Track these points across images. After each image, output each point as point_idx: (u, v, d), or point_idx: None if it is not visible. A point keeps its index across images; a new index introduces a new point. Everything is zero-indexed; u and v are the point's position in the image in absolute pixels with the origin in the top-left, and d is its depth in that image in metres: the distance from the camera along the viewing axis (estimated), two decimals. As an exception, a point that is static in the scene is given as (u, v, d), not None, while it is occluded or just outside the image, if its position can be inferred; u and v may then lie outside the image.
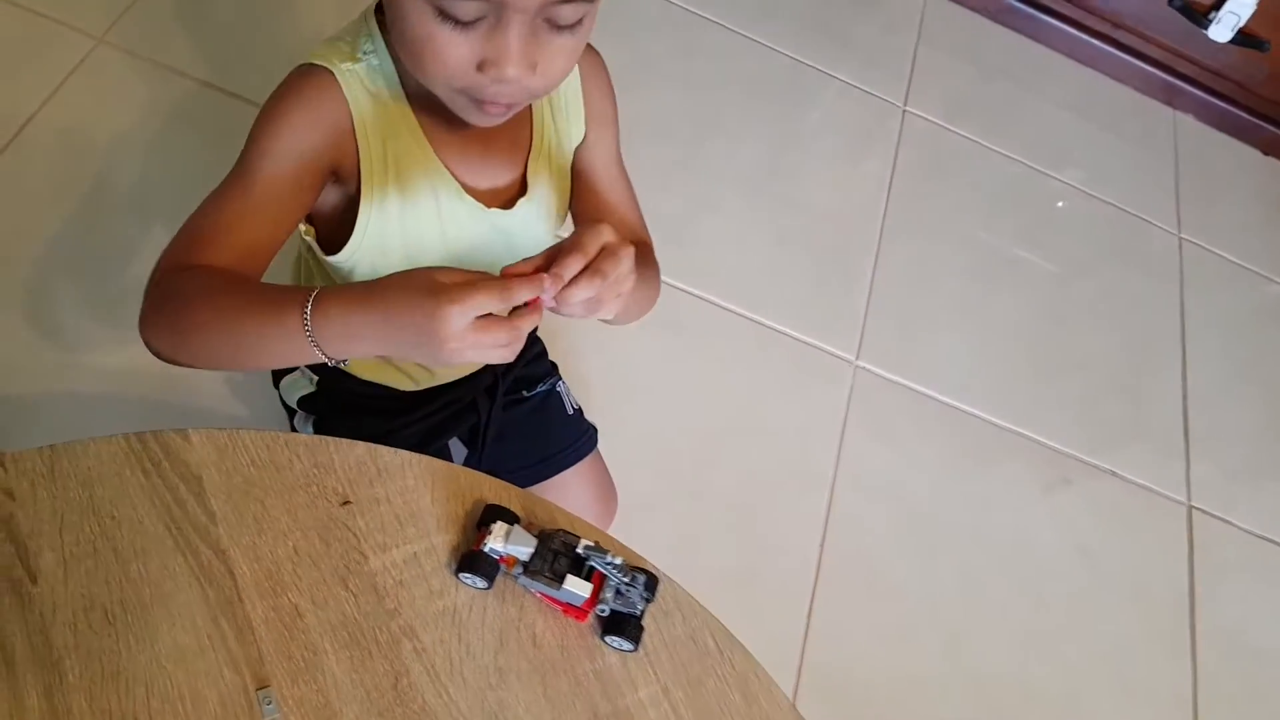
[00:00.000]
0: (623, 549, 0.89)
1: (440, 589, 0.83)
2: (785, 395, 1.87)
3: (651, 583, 0.86)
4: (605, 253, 0.81)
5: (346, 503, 0.85)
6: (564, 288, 0.79)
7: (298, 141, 0.90)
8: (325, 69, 0.92)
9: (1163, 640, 1.84)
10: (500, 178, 1.04)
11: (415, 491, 0.87)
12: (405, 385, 1.22)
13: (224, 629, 0.77)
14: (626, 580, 0.84)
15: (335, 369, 1.20)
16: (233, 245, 0.87)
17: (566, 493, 1.36)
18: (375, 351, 0.81)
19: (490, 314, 0.76)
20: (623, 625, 0.85)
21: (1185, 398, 2.16)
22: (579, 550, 0.84)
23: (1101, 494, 1.97)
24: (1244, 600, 1.94)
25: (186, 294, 0.84)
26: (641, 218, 1.15)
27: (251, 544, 0.80)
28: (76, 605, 0.75)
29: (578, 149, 1.09)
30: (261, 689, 0.76)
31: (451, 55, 0.83)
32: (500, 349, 0.78)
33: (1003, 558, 1.83)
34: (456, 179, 0.99)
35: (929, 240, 2.18)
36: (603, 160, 1.11)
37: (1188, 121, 2.68)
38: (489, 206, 1.02)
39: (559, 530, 0.86)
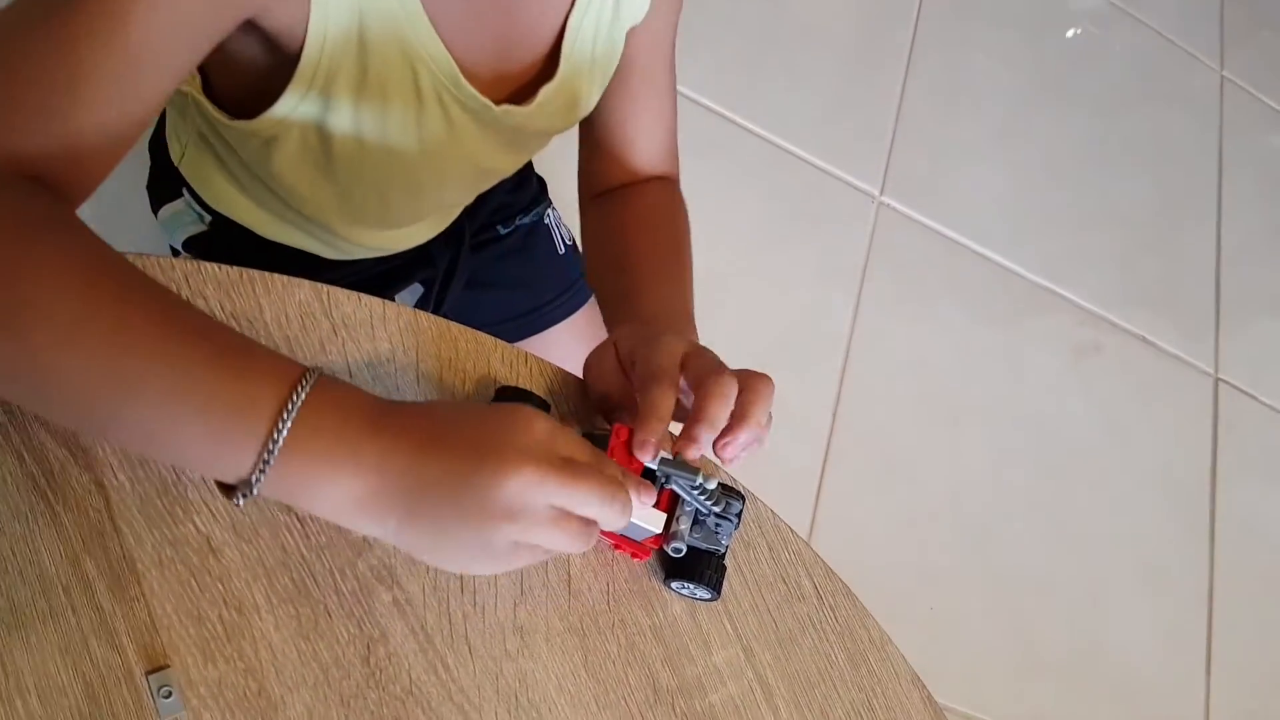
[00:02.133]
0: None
1: (432, 510, 0.55)
2: (800, 235, 1.59)
3: (740, 510, 0.59)
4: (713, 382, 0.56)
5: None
6: (721, 443, 0.57)
7: None
8: None
9: (1182, 525, 1.69)
10: (519, 55, 0.70)
11: (391, 359, 0.58)
12: (328, 254, 0.90)
13: (89, 576, 0.48)
14: (717, 509, 0.57)
15: (222, 218, 0.86)
16: (80, 124, 0.48)
17: (555, 355, 1.05)
18: (359, 521, 0.49)
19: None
20: (699, 567, 0.58)
21: (1219, 258, 1.96)
22: (649, 464, 0.57)
23: (1131, 361, 1.77)
24: (1266, 481, 1.79)
25: (39, 268, 0.44)
26: (674, 133, 0.85)
27: (134, 439, 0.50)
28: None
29: (632, 29, 0.76)
30: (155, 671, 0.48)
31: None
32: (571, 543, 0.51)
33: (1028, 433, 1.63)
34: (453, 56, 0.65)
35: (964, 54, 1.88)
36: (653, 49, 0.79)
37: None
38: (496, 100, 0.69)
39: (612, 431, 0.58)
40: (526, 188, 1.08)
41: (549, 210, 1.08)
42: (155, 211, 0.92)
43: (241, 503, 0.48)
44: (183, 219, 0.89)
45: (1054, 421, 1.67)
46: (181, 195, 0.88)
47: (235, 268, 0.55)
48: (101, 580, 0.48)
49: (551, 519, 0.49)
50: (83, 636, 0.47)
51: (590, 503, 0.50)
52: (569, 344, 1.07)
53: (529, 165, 1.09)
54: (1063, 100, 1.99)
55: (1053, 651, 1.55)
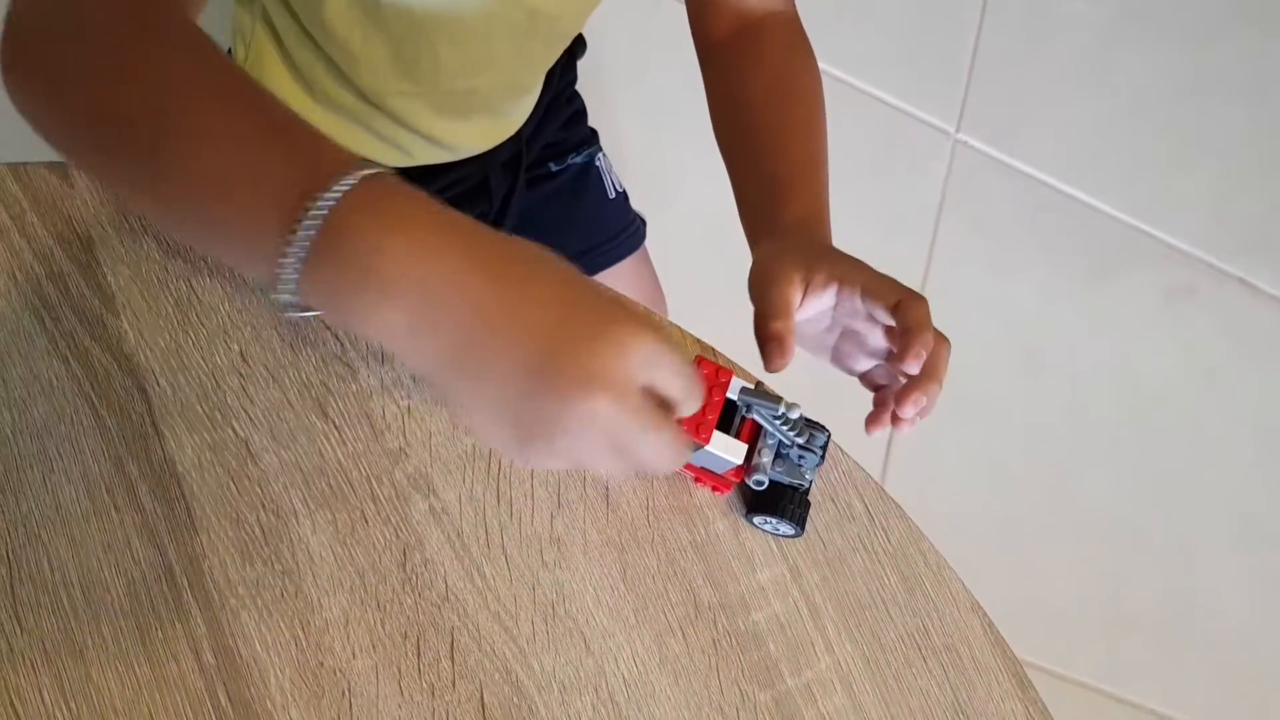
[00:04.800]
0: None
1: (469, 420, 0.55)
2: (871, 174, 1.54)
3: (826, 443, 0.57)
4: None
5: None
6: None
7: None
8: None
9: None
10: None
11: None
12: (391, 159, 0.89)
13: (132, 477, 0.49)
14: (800, 440, 0.55)
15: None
16: None
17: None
18: (417, 356, 0.41)
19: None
20: (781, 501, 0.57)
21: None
22: (730, 394, 0.55)
23: (1227, 306, 1.68)
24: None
25: (120, 38, 0.44)
26: None
27: (173, 344, 0.51)
28: (-111, 435, 0.47)
29: None
30: (190, 565, 0.48)
31: None
32: (655, 453, 0.43)
33: (1115, 379, 1.56)
34: None
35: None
36: None
37: None
38: None
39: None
40: (579, 126, 1.07)
41: (600, 155, 1.07)
42: None
43: (289, 314, 0.41)
44: None
45: (1142, 366, 1.60)
46: None
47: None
48: (143, 481, 0.49)
49: (608, 448, 0.43)
50: (125, 535, 0.48)
51: (648, 451, 0.43)
52: (619, 290, 1.06)
53: (583, 106, 1.08)
54: (1151, 30, 1.88)
55: (1141, 605, 1.50)
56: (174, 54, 0.44)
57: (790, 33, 0.80)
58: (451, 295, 0.39)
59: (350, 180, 0.39)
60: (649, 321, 0.42)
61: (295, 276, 0.39)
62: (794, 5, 0.82)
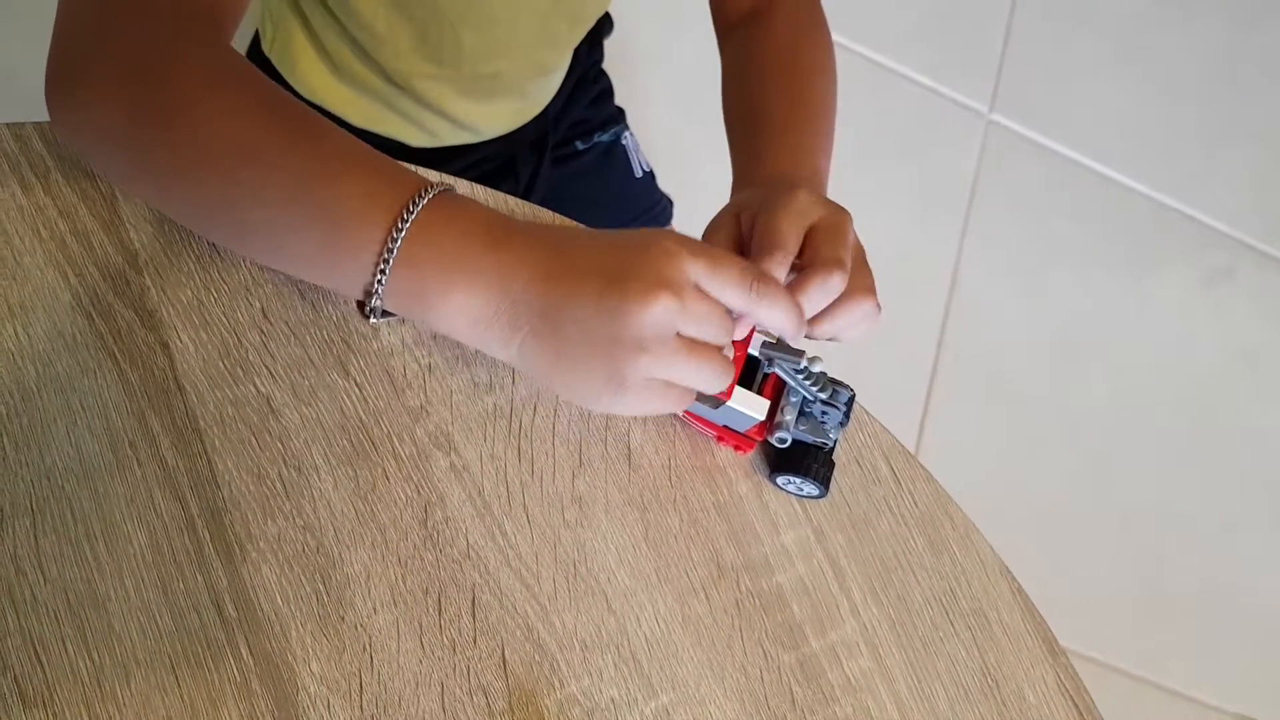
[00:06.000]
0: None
1: (490, 380, 0.55)
2: (903, 155, 1.53)
3: (850, 400, 0.56)
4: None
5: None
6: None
7: None
8: None
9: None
10: None
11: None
12: (416, 140, 0.90)
13: (154, 431, 0.49)
14: (824, 396, 0.55)
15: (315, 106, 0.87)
16: None
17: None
18: (502, 334, 0.48)
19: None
20: (806, 460, 0.56)
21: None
22: (751, 350, 0.55)
23: (1268, 286, 1.65)
24: None
25: (190, 83, 0.47)
26: None
27: (195, 300, 0.52)
28: (-83, 389, 0.48)
29: None
30: (211, 518, 0.49)
31: None
32: (708, 378, 0.49)
33: (1153, 362, 1.54)
34: None
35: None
36: None
37: None
38: None
39: None
40: (605, 104, 1.07)
41: (626, 133, 1.07)
42: None
43: (375, 320, 0.50)
44: None
45: (1181, 349, 1.58)
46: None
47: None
48: (165, 436, 0.49)
49: (688, 349, 0.47)
50: (147, 488, 0.48)
51: (715, 330, 0.48)
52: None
53: (609, 85, 1.08)
54: (1189, 8, 1.85)
55: (1181, 591, 1.47)
56: (241, 94, 0.48)
57: (804, 11, 0.78)
58: (524, 266, 0.47)
59: (428, 194, 0.46)
60: (684, 238, 0.48)
61: (385, 282, 0.46)
62: None
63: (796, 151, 0.68)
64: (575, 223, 0.58)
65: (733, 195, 0.67)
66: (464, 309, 0.47)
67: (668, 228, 0.47)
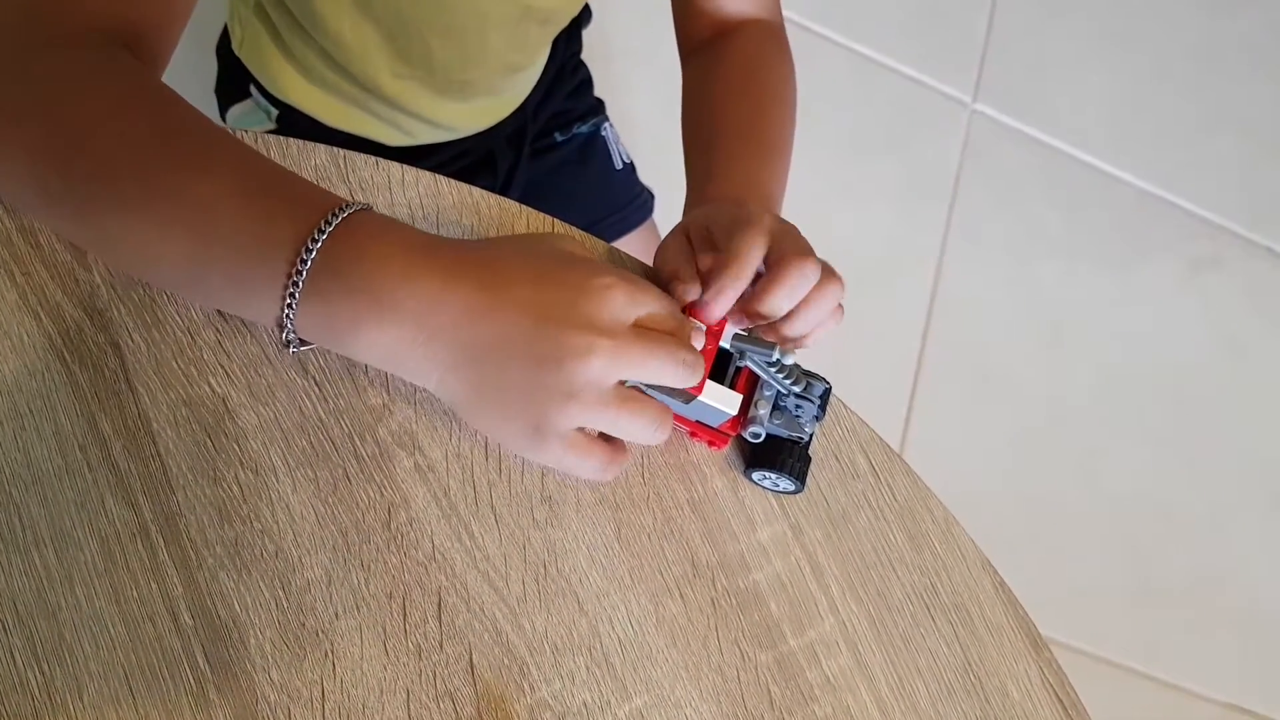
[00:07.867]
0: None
1: (455, 376, 0.53)
2: (886, 146, 1.52)
3: (825, 393, 0.55)
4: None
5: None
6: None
7: None
8: None
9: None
10: None
11: (410, 224, 0.56)
12: (392, 140, 0.88)
13: (105, 434, 0.47)
14: (798, 389, 0.53)
15: (288, 112, 0.86)
16: None
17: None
18: (422, 364, 0.46)
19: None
20: (780, 454, 0.54)
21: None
22: (722, 343, 0.54)
23: (1255, 275, 1.64)
24: None
25: (88, 106, 0.44)
26: None
27: (147, 298, 0.50)
28: None
29: None
30: (166, 524, 0.47)
31: None
32: (641, 429, 0.48)
33: (1140, 352, 1.53)
34: None
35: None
36: None
37: None
38: None
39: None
40: (584, 95, 1.05)
41: (606, 125, 1.05)
42: (223, 116, 0.93)
43: (294, 351, 0.48)
44: (250, 119, 0.90)
45: (1167, 339, 1.57)
46: (249, 95, 0.88)
47: (251, 130, 0.54)
48: (117, 439, 0.48)
49: (620, 400, 0.45)
50: (99, 493, 0.47)
51: (665, 371, 0.46)
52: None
53: (589, 76, 1.06)
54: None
55: (1170, 581, 1.47)
56: (154, 117, 0.45)
57: (766, 38, 0.77)
58: (445, 300, 0.43)
59: (335, 220, 0.43)
60: (621, 272, 0.46)
61: (294, 315, 0.44)
62: (779, 15, 0.79)
63: (748, 177, 0.68)
64: (530, 233, 0.56)
65: (684, 214, 0.66)
66: (374, 343, 0.44)
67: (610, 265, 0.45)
